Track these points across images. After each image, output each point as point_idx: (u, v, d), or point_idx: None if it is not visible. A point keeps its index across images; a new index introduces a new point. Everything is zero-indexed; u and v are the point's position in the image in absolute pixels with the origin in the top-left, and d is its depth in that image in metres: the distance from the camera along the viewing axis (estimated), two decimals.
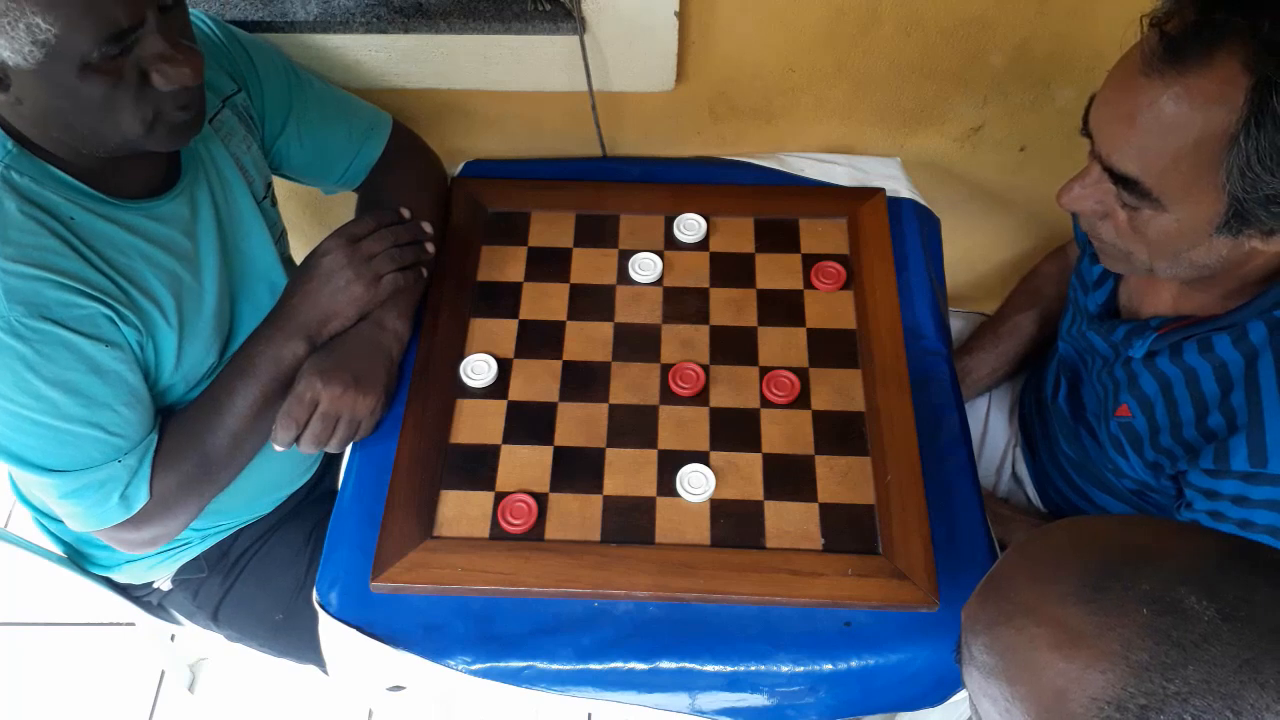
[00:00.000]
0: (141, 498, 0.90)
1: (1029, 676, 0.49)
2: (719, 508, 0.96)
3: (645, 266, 1.12)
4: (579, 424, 1.01)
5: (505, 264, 1.13)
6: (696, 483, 0.96)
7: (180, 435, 0.93)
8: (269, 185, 1.05)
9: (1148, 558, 0.50)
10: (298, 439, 0.96)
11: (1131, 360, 0.91)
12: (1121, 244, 0.81)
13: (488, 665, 0.90)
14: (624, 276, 1.12)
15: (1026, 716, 0.49)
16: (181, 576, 1.12)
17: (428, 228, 1.07)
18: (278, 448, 0.96)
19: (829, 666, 0.89)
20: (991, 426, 1.26)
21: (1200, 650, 0.45)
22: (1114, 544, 0.52)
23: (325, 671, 1.02)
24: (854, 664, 0.89)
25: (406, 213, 1.06)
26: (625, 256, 1.14)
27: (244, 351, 0.97)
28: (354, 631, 0.91)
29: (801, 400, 1.02)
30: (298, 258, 1.14)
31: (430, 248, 1.06)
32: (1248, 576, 0.48)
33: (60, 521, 1.07)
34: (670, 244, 1.15)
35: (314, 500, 1.19)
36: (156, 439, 0.91)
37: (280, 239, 1.08)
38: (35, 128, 0.80)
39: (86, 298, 0.82)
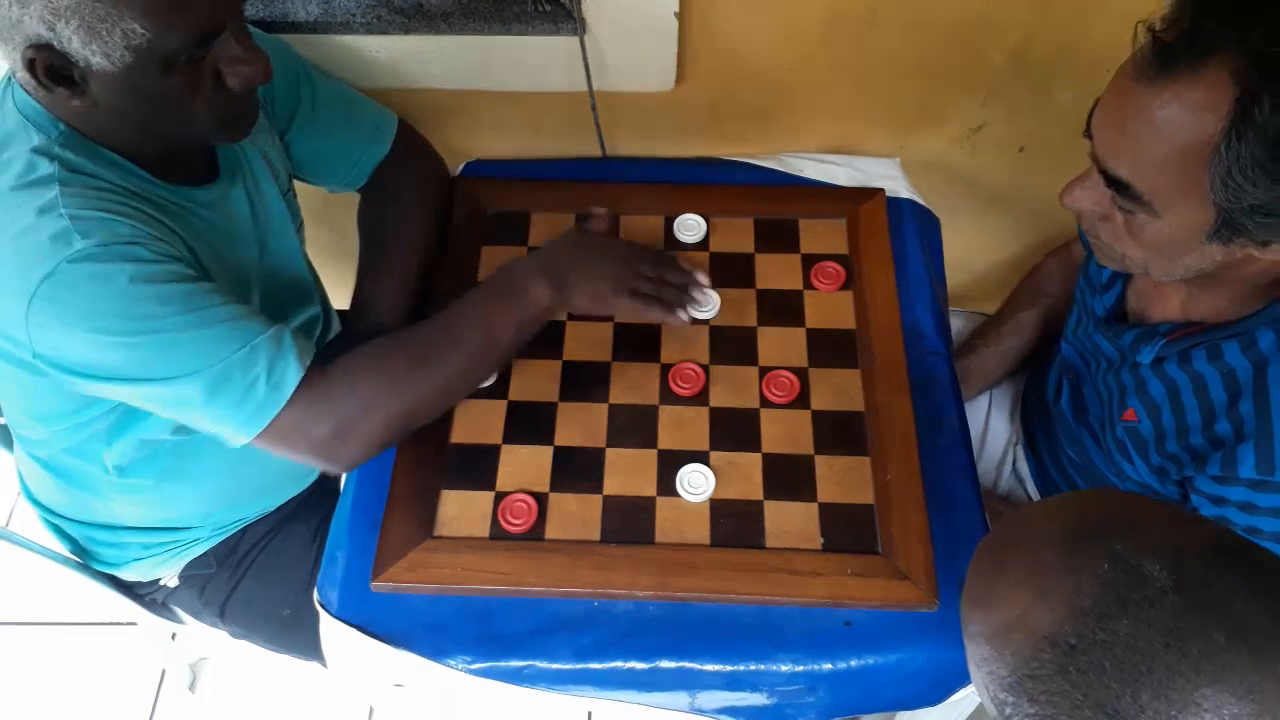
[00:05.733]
0: (293, 377, 0.83)
1: (993, 606, 0.54)
2: (719, 507, 0.96)
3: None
4: (579, 424, 1.01)
5: None
6: (696, 482, 0.96)
7: (407, 337, 0.90)
8: (290, 178, 1.07)
9: (1131, 525, 0.53)
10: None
11: (1139, 365, 0.91)
12: (1118, 246, 0.82)
13: (488, 665, 0.90)
14: None
15: (984, 640, 0.53)
16: (189, 573, 1.12)
17: (704, 279, 1.04)
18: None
19: (828, 666, 0.90)
20: (992, 424, 1.27)
21: (1140, 610, 0.48)
22: (1107, 510, 0.56)
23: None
24: (853, 663, 0.90)
25: (704, 279, 1.04)
26: None
27: (492, 280, 0.94)
28: (354, 631, 0.91)
29: (801, 400, 1.02)
30: (310, 252, 1.15)
31: (699, 296, 1.04)
32: (1217, 563, 0.50)
33: (69, 519, 1.08)
34: (670, 244, 1.15)
35: (321, 496, 1.19)
36: (290, 330, 0.85)
37: (299, 231, 1.09)
38: (103, 129, 0.81)
39: (155, 239, 0.81)
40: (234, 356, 0.81)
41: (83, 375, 0.80)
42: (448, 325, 0.91)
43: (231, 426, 0.83)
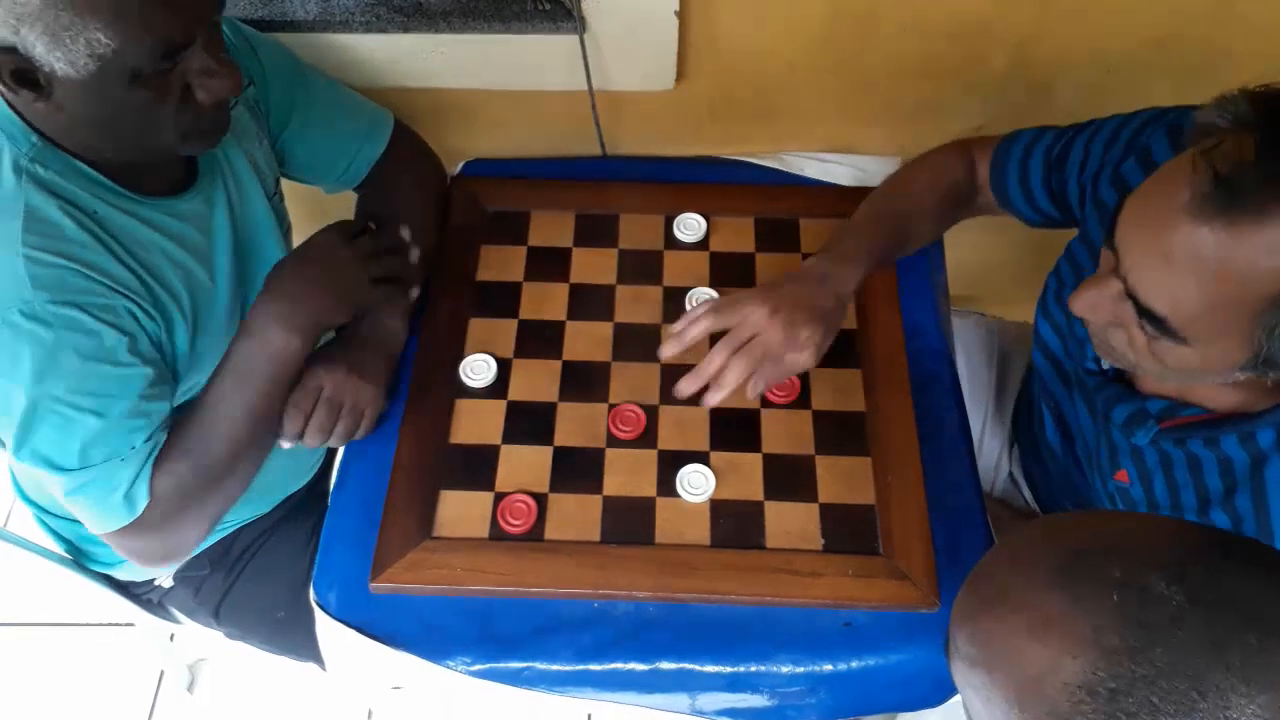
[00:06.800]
0: (143, 499, 0.88)
1: (1007, 664, 0.50)
2: (719, 508, 0.95)
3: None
4: (579, 424, 1.01)
5: (505, 264, 1.13)
6: (696, 483, 0.96)
7: (175, 443, 0.90)
8: (278, 181, 1.06)
9: (1119, 546, 0.51)
10: (302, 433, 0.95)
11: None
12: (1131, 356, 0.76)
13: (487, 666, 0.90)
14: (624, 275, 1.12)
15: (1005, 703, 0.50)
16: (183, 574, 1.12)
17: (405, 234, 1.03)
18: (284, 444, 0.95)
19: (829, 667, 0.89)
20: (989, 427, 1.26)
21: (1167, 633, 0.46)
22: (1089, 535, 0.53)
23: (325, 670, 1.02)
24: (854, 664, 0.89)
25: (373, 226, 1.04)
26: (626, 255, 1.14)
27: (237, 351, 0.92)
28: (353, 632, 0.91)
29: (802, 400, 1.02)
30: None
31: (414, 255, 1.03)
32: (1217, 562, 0.48)
33: (63, 519, 1.08)
34: (670, 244, 1.15)
35: (316, 498, 1.18)
36: (162, 441, 0.89)
37: (287, 234, 1.08)
38: (70, 133, 0.80)
39: (110, 290, 0.81)
40: (107, 463, 0.85)
41: None
42: (219, 427, 0.91)
43: (85, 518, 0.88)
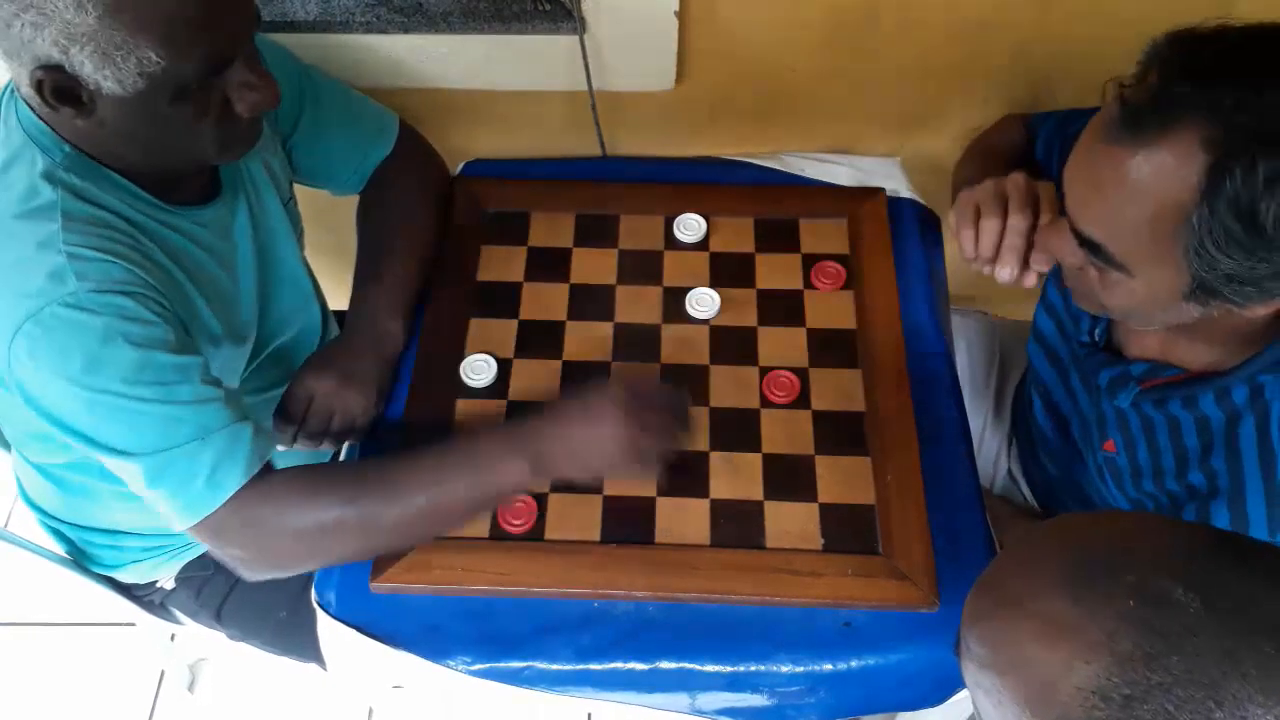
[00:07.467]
0: (233, 482, 0.81)
1: (1018, 668, 0.50)
2: (719, 508, 0.95)
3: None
4: None
5: (505, 264, 1.13)
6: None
7: (360, 475, 0.86)
8: (291, 186, 1.06)
9: (1132, 550, 0.50)
10: (295, 438, 0.95)
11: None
12: (1095, 295, 0.79)
13: (488, 665, 0.90)
14: (624, 275, 1.12)
15: (1016, 706, 0.50)
16: (186, 574, 1.12)
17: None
18: (280, 447, 0.96)
19: (829, 667, 0.89)
20: (989, 424, 1.26)
21: (1183, 641, 0.45)
22: (1099, 537, 0.53)
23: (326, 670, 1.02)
24: (854, 664, 0.89)
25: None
26: (626, 255, 1.14)
27: (467, 441, 0.88)
28: (353, 631, 0.91)
29: (801, 400, 1.02)
30: (311, 253, 1.14)
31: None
32: (1231, 567, 0.48)
33: (67, 523, 1.07)
34: (670, 244, 1.15)
35: None
36: (252, 428, 0.84)
37: (300, 239, 1.09)
38: (104, 146, 0.81)
39: (153, 286, 0.81)
40: (185, 445, 0.80)
41: (44, 416, 0.80)
42: (398, 480, 0.85)
43: (170, 510, 0.83)
